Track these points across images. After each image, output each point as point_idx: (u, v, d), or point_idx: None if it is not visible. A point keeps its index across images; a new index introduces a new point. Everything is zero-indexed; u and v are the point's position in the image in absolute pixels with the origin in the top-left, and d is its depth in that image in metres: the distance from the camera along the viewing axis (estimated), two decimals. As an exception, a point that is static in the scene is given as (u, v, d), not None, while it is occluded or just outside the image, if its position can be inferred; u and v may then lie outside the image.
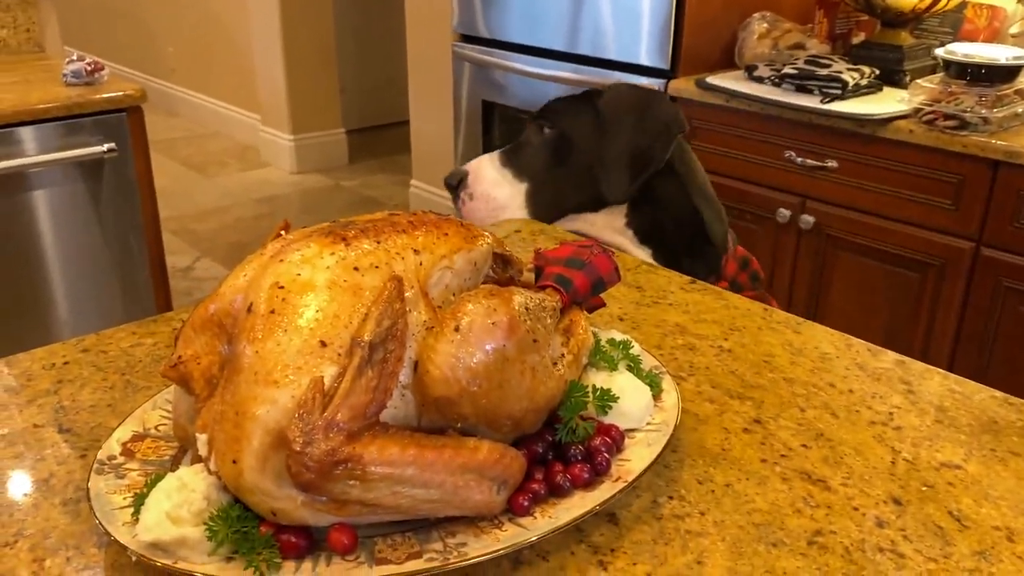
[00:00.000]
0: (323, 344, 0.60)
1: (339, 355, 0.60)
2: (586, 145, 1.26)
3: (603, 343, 0.80)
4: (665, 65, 2.35)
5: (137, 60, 5.98)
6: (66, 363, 0.91)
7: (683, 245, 1.30)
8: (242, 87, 5.00)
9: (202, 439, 0.62)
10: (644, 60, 2.39)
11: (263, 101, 4.74)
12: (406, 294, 0.64)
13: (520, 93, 2.76)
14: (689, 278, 1.14)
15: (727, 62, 2.45)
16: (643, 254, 1.28)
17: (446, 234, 0.70)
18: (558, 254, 0.82)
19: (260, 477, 0.59)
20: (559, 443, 0.71)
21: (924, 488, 0.73)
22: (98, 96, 2.02)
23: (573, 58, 2.59)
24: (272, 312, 0.62)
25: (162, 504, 0.60)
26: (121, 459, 0.70)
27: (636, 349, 0.83)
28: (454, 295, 0.69)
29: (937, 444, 0.79)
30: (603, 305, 0.86)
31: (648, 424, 0.76)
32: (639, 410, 0.75)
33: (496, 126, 2.91)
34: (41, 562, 0.64)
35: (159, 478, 0.63)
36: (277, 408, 0.58)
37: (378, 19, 5.10)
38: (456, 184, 1.39)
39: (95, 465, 0.69)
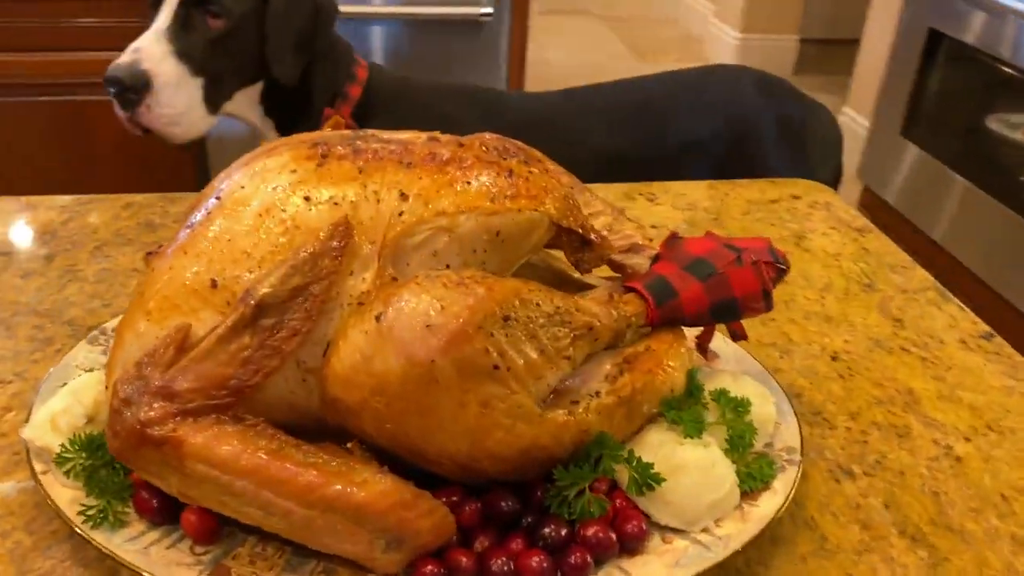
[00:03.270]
0: (214, 284, 0.46)
1: (227, 304, 0.46)
2: (256, 35, 1.17)
3: (705, 394, 0.55)
4: None
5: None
6: (217, 214, 0.89)
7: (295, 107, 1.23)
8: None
9: (116, 347, 0.53)
10: None
11: (720, -8, 4.47)
12: (363, 250, 0.47)
13: (979, 27, 2.19)
14: (988, 329, 0.78)
15: None
16: (267, 125, 1.26)
17: (468, 183, 0.50)
18: (689, 248, 0.57)
19: (117, 417, 0.48)
20: (547, 509, 0.50)
21: None
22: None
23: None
24: (193, 226, 0.49)
25: (54, 405, 0.53)
26: (126, 334, 0.65)
27: (766, 414, 0.56)
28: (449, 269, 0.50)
29: None
30: (744, 337, 0.59)
31: (704, 530, 0.51)
32: (696, 507, 0.51)
33: (939, 66, 2.37)
34: (6, 389, 0.62)
35: (89, 373, 0.56)
36: (140, 343, 0.47)
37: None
38: (128, 86, 1.10)
39: (91, 333, 0.64)
